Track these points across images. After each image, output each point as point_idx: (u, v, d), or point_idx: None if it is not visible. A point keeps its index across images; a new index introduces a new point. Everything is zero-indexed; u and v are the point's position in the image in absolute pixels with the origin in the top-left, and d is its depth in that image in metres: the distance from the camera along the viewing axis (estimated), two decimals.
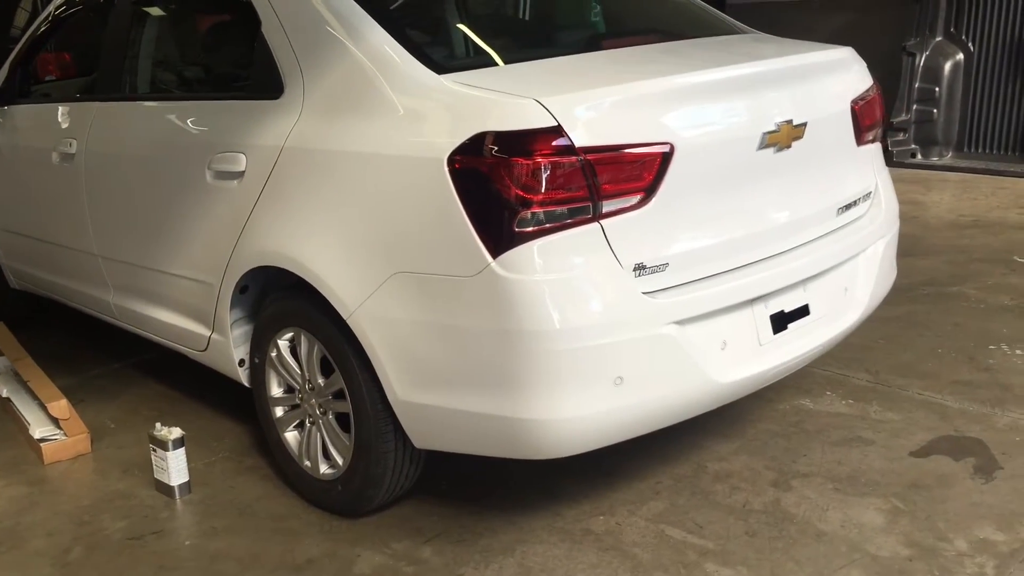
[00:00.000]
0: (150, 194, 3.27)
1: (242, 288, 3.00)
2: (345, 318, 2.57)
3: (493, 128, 2.27)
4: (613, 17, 3.39)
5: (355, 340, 2.59)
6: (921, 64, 7.57)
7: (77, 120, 3.64)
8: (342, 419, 2.79)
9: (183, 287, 3.24)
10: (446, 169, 2.31)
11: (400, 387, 2.53)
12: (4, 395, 3.76)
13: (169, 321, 3.37)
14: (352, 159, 2.54)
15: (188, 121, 3.13)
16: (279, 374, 2.97)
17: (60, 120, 3.76)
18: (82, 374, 4.12)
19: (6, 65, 4.21)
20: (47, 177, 3.81)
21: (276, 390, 3.02)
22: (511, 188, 2.24)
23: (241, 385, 3.17)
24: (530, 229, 2.26)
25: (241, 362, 3.13)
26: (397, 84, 2.52)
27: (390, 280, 2.46)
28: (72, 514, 3.00)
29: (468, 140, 2.29)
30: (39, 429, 3.44)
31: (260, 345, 3.00)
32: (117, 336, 3.93)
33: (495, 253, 2.27)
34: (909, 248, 5.11)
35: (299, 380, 2.90)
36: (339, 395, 2.76)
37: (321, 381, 2.82)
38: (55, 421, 3.48)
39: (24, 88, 4.21)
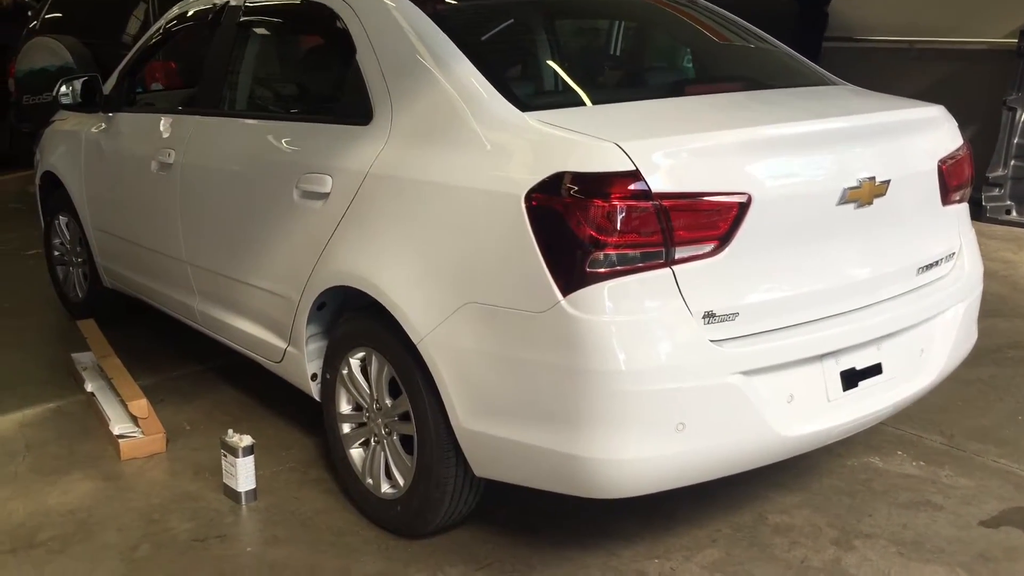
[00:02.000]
0: (239, 208, 3.39)
1: (320, 305, 3.08)
2: (415, 343, 2.63)
3: (572, 168, 2.31)
4: (700, 62, 3.40)
5: (424, 365, 2.64)
6: (1021, 119, 7.37)
7: (176, 132, 3.80)
8: (406, 441, 2.84)
9: (264, 299, 3.34)
10: (523, 206, 2.35)
11: (464, 414, 2.57)
12: (89, 390, 3.92)
13: (248, 331, 3.48)
14: (433, 189, 2.60)
15: (280, 140, 3.24)
16: (349, 391, 3.04)
17: (161, 130, 3.93)
18: (164, 374, 4.27)
19: (115, 74, 4.41)
20: (145, 184, 3.98)
21: (345, 407, 3.09)
22: (585, 228, 2.27)
23: (312, 398, 3.25)
24: (602, 270, 2.29)
25: (313, 376, 3.21)
26: (482, 118, 2.58)
27: (461, 309, 2.51)
28: (143, 511, 3.11)
29: (546, 179, 2.33)
30: (118, 426, 3.58)
31: (332, 362, 3.07)
32: (199, 340, 4.07)
33: (565, 291, 2.30)
34: (996, 308, 4.96)
35: (367, 399, 2.96)
36: (405, 417, 2.81)
37: (388, 402, 2.88)
38: (134, 419, 3.61)
39: (130, 97, 4.40)
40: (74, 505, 3.15)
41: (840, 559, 2.78)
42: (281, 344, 3.30)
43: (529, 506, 3.03)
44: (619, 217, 2.27)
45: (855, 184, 2.53)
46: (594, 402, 2.32)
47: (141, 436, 3.53)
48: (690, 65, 3.35)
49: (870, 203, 2.59)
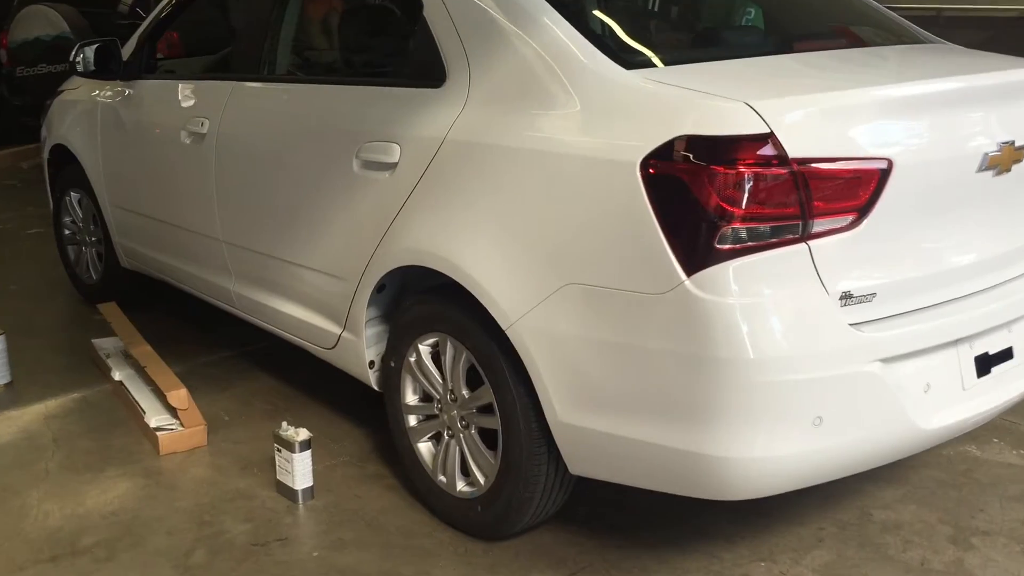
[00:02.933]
0: (288, 181, 3.11)
1: (379, 287, 2.82)
2: (504, 328, 2.38)
3: (696, 131, 2.05)
4: (800, 18, 3.12)
5: (512, 353, 2.39)
6: None
7: (210, 99, 3.50)
8: (486, 435, 2.60)
9: (315, 281, 3.07)
10: (639, 174, 2.09)
11: (562, 408, 2.32)
12: (117, 378, 3.65)
13: (295, 315, 3.21)
14: (525, 157, 2.34)
15: (336, 106, 2.96)
16: (417, 381, 2.79)
17: (191, 98, 3.64)
18: (192, 360, 3.99)
19: (134, 38, 4.10)
20: (172, 156, 3.69)
21: (411, 397, 2.83)
22: (713, 199, 2.02)
23: (362, 385, 3.00)
24: (731, 246, 2.04)
25: (371, 364, 2.95)
26: (580, 78, 2.31)
27: (561, 291, 2.26)
28: (192, 512, 2.85)
29: (666, 143, 2.07)
30: (155, 417, 3.30)
31: (398, 348, 2.81)
32: (226, 323, 3.81)
33: (690, 270, 2.05)
34: None
35: (439, 389, 2.71)
36: (486, 409, 2.56)
37: (465, 392, 2.62)
38: (171, 410, 3.34)
39: (151, 63, 4.09)
40: (116, 506, 2.89)
41: (962, 560, 2.56)
42: (334, 329, 3.04)
43: (612, 501, 2.79)
44: (752, 186, 2.01)
45: (995, 149, 2.29)
46: (721, 394, 2.07)
47: (180, 428, 3.26)
48: (789, 21, 3.07)
49: (1008, 170, 2.34)
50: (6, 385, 3.77)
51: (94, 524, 2.79)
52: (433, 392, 2.74)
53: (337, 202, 2.90)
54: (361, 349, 2.94)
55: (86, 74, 4.09)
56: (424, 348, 2.73)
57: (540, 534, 2.69)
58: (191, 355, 4.04)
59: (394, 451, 2.94)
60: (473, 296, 2.45)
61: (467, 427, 2.65)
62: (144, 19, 6.76)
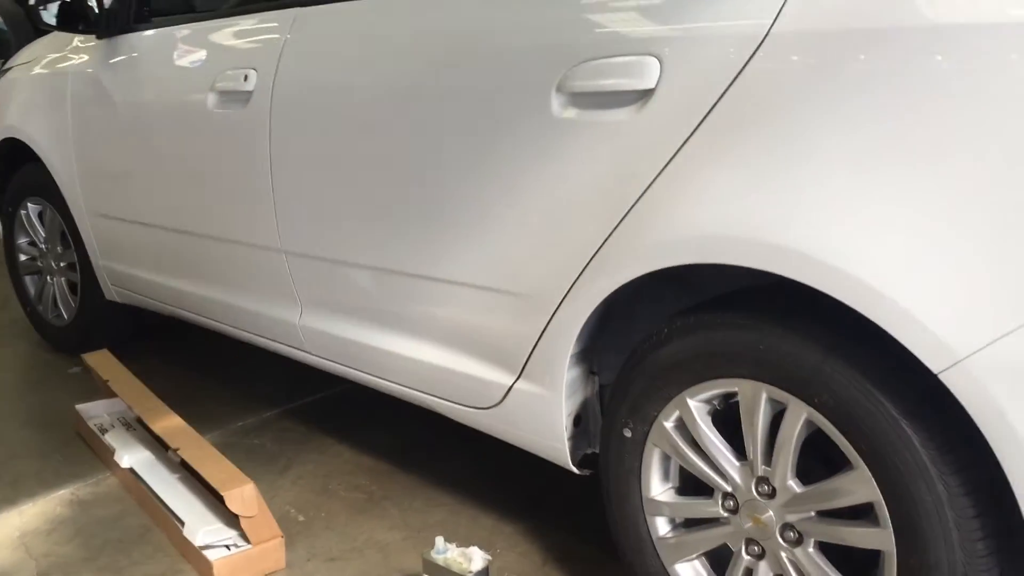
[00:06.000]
0: (412, 146, 1.95)
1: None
2: (936, 371, 1.27)
3: None
4: None
5: (929, 418, 1.30)
6: None
7: (258, 40, 2.34)
8: (837, 551, 1.49)
9: (469, 304, 1.93)
10: None
11: None
12: (126, 465, 2.44)
13: (424, 359, 2.06)
14: (994, 47, 1.23)
15: (502, 12, 1.82)
16: (677, 459, 1.67)
17: (224, 43, 2.48)
18: (222, 426, 2.82)
19: None
20: (193, 132, 2.52)
21: (661, 488, 1.71)
22: None
23: (493, 448, 1.91)
24: None
25: (577, 420, 1.84)
26: None
27: None
28: None
29: None
30: (201, 530, 2.11)
31: (638, 408, 1.69)
32: (253, 368, 2.68)
33: None
34: None
35: (735, 475, 1.59)
36: (850, 514, 1.45)
37: (794, 484, 1.51)
38: (221, 512, 2.15)
39: (141, 11, 2.89)
40: None
41: None
42: (501, 378, 1.90)
43: None
44: None
45: None
46: None
47: (244, 546, 2.07)
48: None
49: None
50: None
51: None
52: (716, 479, 1.62)
53: (519, 171, 1.75)
54: (554, 407, 1.82)
55: (57, 28, 2.89)
56: (697, 405, 1.61)
57: None
58: (220, 418, 2.86)
59: (581, 560, 1.82)
60: (846, 313, 1.34)
61: (797, 542, 1.53)
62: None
